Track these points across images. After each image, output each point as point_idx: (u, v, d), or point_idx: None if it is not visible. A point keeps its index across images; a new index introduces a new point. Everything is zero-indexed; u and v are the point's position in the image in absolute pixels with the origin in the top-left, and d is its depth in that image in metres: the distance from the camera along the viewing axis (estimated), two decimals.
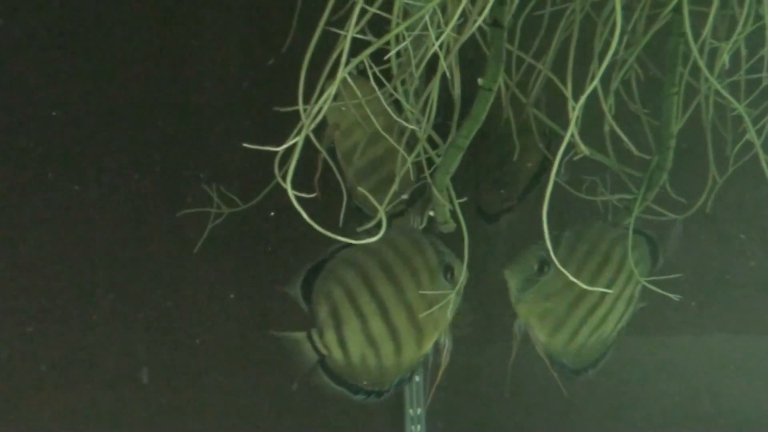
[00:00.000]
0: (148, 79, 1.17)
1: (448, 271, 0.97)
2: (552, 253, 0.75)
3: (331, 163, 0.96)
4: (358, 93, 0.87)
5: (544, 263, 0.97)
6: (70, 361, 1.17)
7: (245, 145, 0.76)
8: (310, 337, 0.97)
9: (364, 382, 0.99)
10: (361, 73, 0.82)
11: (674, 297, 0.94)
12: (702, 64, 0.81)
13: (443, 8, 0.80)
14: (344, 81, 0.76)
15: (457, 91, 0.86)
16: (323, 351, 0.97)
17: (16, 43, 1.13)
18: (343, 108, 0.93)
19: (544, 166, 1.03)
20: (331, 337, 0.97)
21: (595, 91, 0.79)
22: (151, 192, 1.17)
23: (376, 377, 0.99)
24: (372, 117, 0.87)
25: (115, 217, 1.17)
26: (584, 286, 0.83)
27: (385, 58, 0.82)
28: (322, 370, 0.98)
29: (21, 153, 1.15)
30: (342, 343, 0.97)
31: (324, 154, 0.93)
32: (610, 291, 0.99)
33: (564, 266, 0.78)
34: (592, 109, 0.90)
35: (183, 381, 1.20)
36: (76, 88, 1.15)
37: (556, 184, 0.73)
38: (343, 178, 0.97)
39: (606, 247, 1.00)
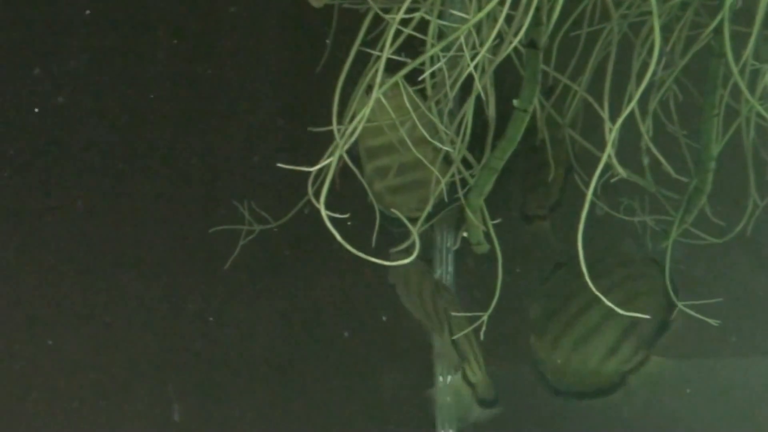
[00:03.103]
0: (182, 95, 1.17)
1: None
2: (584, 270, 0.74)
3: (349, 163, 0.93)
4: (387, 105, 0.86)
5: (557, 266, 1.01)
6: (92, 368, 1.18)
7: (279, 165, 0.76)
8: (464, 376, 0.98)
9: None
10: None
11: (713, 322, 0.93)
12: (743, 85, 0.80)
13: (478, 29, 0.80)
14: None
15: (491, 112, 0.86)
16: (473, 379, 0.98)
17: (64, 61, 1.15)
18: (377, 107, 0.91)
19: (568, 180, 1.03)
20: (473, 360, 0.98)
21: (632, 112, 0.78)
22: (183, 208, 1.18)
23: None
24: (401, 128, 0.87)
25: (148, 232, 1.18)
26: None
27: (420, 78, 0.82)
28: (478, 403, 0.99)
29: (54, 165, 1.16)
30: (478, 360, 0.98)
31: (344, 156, 0.90)
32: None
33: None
34: (629, 130, 0.89)
35: (211, 401, 1.21)
36: (111, 102, 1.16)
37: (592, 204, 0.72)
38: (362, 174, 0.97)
39: (613, 262, 0.99)
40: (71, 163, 1.17)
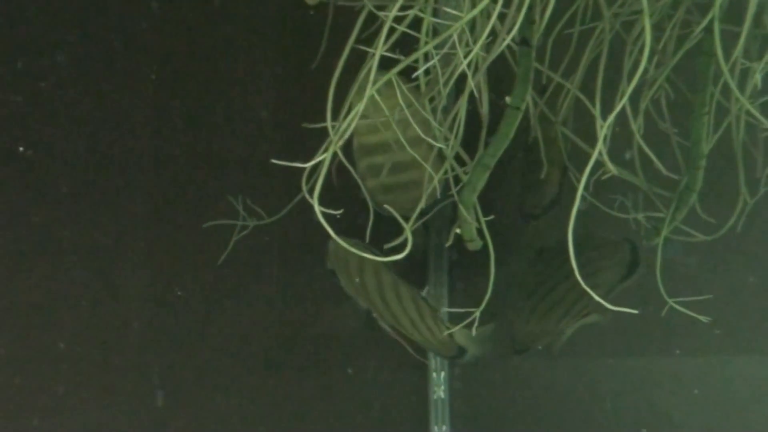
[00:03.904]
0: (177, 91, 1.18)
1: None
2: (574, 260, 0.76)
3: (344, 160, 0.93)
4: (382, 104, 0.87)
5: (539, 252, 1.09)
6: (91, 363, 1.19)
7: (273, 161, 0.77)
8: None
9: None
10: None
11: (703, 319, 0.93)
12: (733, 84, 0.81)
13: (472, 27, 0.80)
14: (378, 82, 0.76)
15: (484, 109, 0.86)
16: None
17: (57, 51, 1.15)
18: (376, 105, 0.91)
19: (563, 185, 1.04)
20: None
21: (624, 110, 0.78)
22: (177, 203, 1.18)
23: None
24: (396, 127, 0.87)
25: (142, 227, 1.18)
26: None
27: (413, 75, 0.82)
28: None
29: (50, 162, 1.16)
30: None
31: (339, 153, 0.89)
32: None
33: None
34: (621, 128, 0.90)
35: (206, 395, 1.21)
36: (107, 99, 1.17)
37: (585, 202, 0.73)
38: (355, 170, 0.97)
39: (588, 246, 1.05)
40: (67, 160, 1.17)
